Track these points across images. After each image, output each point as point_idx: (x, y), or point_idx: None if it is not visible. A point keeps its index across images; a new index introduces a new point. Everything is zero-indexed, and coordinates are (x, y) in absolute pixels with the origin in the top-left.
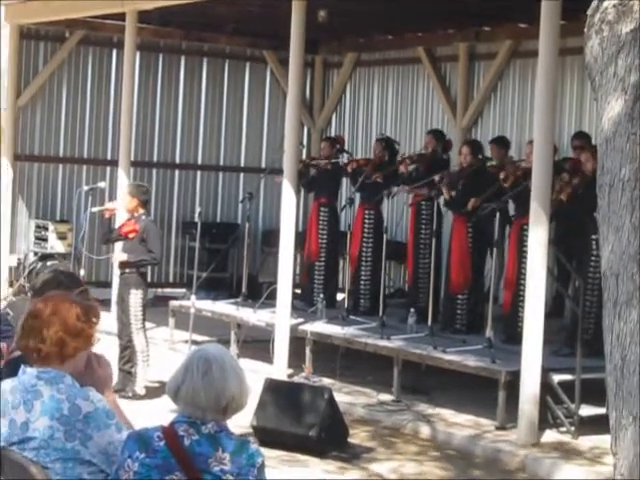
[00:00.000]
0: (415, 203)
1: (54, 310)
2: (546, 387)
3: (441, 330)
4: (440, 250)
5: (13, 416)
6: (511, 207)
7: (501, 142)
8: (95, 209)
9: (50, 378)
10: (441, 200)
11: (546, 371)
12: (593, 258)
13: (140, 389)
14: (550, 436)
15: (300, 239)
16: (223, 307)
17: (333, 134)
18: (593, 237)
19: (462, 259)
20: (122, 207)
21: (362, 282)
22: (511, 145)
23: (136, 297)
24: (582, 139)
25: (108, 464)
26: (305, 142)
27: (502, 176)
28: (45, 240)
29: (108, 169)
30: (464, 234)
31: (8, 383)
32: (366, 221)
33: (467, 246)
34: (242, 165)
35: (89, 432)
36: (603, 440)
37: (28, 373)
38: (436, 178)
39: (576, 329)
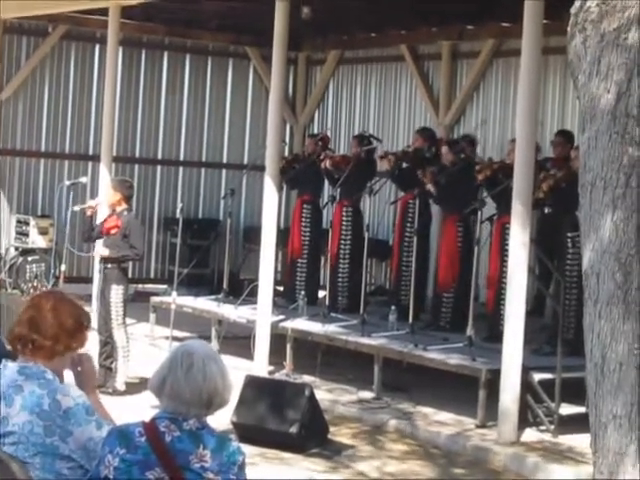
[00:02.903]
0: (404, 201)
1: (54, 306)
2: (526, 386)
3: (425, 328)
4: (426, 249)
5: None
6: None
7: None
8: (77, 207)
9: (31, 373)
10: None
11: (527, 370)
12: (569, 257)
13: (120, 385)
14: (530, 435)
15: (282, 236)
16: (204, 303)
17: (316, 131)
18: (569, 235)
19: (451, 258)
20: (104, 202)
21: (340, 279)
22: (477, 142)
23: (117, 293)
24: (563, 136)
25: (88, 460)
26: (287, 139)
27: (477, 168)
28: (26, 235)
29: (90, 164)
30: (454, 233)
31: None
32: (344, 218)
33: (456, 245)
34: (224, 161)
35: (69, 428)
36: (583, 439)
37: (9, 368)
38: (419, 173)
39: (557, 328)
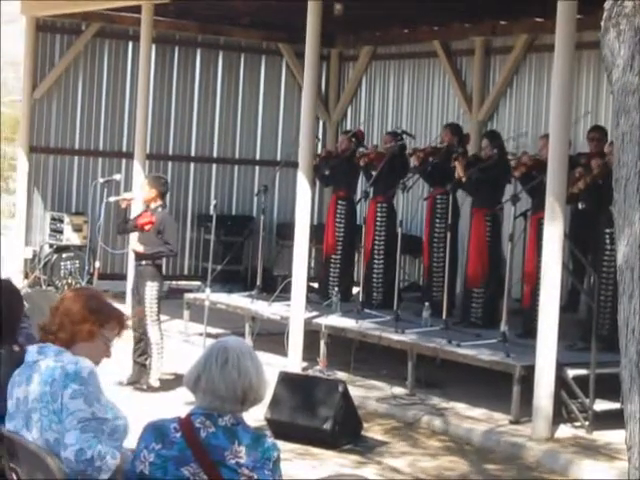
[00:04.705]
0: (432, 197)
1: (71, 297)
2: (561, 382)
3: (457, 324)
4: (456, 244)
5: (18, 394)
6: (527, 201)
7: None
8: (112, 199)
9: (49, 351)
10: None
11: (561, 366)
12: (607, 252)
13: (154, 381)
14: (564, 431)
15: (315, 232)
16: (238, 300)
17: (348, 127)
18: (607, 231)
19: (479, 252)
20: (140, 197)
21: (375, 275)
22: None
23: (152, 289)
24: (598, 132)
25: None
26: (320, 135)
27: (513, 165)
28: (60, 232)
29: (124, 161)
30: (482, 228)
31: (19, 367)
32: (378, 214)
33: (485, 239)
34: (257, 158)
35: (61, 389)
36: (617, 435)
37: (30, 351)
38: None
39: (591, 323)
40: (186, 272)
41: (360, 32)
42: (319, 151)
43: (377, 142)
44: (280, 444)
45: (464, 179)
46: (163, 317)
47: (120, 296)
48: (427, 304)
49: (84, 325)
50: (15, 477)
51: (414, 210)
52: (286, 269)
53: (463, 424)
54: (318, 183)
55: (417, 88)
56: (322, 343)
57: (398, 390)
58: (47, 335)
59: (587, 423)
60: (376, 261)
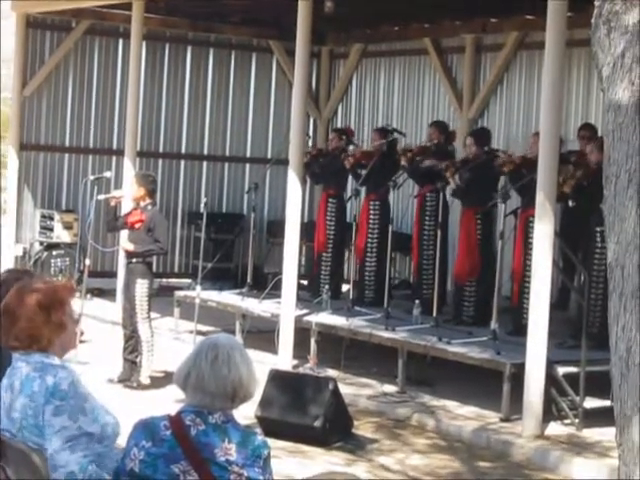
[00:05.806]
0: (421, 195)
1: (18, 303)
2: (551, 379)
3: (448, 321)
4: (446, 242)
5: (4, 399)
6: (517, 199)
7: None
8: (102, 196)
9: (32, 360)
10: (447, 190)
11: (551, 363)
12: (597, 250)
13: (145, 379)
14: (554, 428)
15: (306, 230)
16: (228, 297)
17: (339, 125)
18: (597, 229)
19: (469, 251)
20: (129, 196)
21: (367, 273)
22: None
23: (142, 287)
24: (589, 130)
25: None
26: (311, 133)
27: (500, 162)
28: (51, 230)
29: (114, 159)
30: (472, 225)
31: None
32: (371, 212)
33: (475, 237)
34: (248, 156)
35: (44, 401)
36: (607, 432)
37: (15, 357)
38: (442, 165)
39: (581, 321)
40: (176, 270)
41: (351, 30)
42: (309, 148)
43: (368, 140)
44: (270, 442)
45: (454, 186)
46: (153, 315)
47: (111, 294)
48: (417, 302)
49: (50, 320)
50: (4, 476)
51: (405, 208)
52: (277, 267)
53: (453, 422)
54: (308, 181)
55: (408, 86)
56: (312, 341)
57: (388, 388)
58: (23, 350)
59: (577, 421)
60: (368, 259)
